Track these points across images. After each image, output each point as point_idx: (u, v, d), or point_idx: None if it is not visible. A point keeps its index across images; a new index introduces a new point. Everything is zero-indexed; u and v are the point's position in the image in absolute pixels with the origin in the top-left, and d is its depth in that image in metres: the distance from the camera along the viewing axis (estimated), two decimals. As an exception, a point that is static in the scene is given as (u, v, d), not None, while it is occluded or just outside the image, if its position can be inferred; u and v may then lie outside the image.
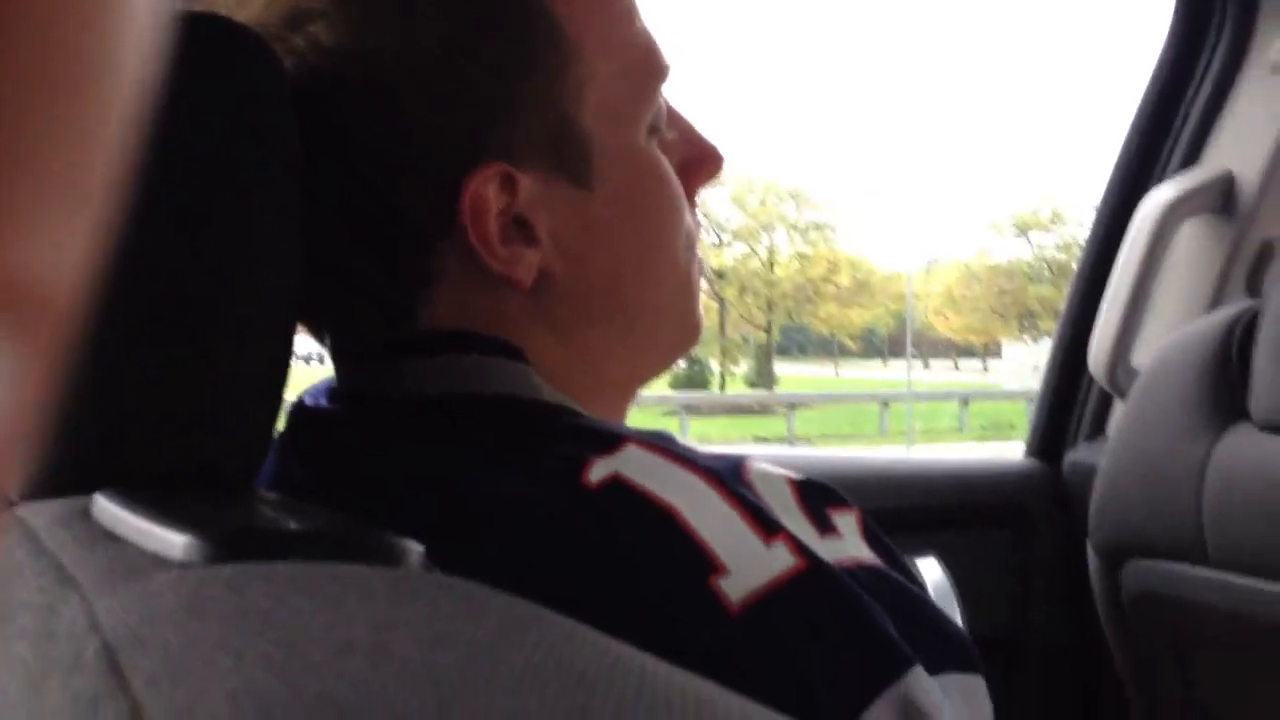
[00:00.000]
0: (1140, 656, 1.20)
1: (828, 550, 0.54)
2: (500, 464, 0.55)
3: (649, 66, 0.63)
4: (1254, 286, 1.33)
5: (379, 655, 0.30)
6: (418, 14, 0.58)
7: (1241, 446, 1.05)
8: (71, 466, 0.48)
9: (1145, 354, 1.35)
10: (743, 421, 23.99)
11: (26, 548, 0.42)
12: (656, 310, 0.65)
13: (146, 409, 0.49)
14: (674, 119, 0.66)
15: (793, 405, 23.05)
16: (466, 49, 0.57)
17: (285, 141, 0.53)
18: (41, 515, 0.45)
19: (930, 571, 1.31)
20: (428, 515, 0.53)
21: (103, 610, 0.33)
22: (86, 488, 0.46)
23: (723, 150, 0.68)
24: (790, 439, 20.24)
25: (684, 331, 0.67)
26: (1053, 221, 36.74)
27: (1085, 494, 1.27)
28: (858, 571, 0.55)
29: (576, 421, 0.58)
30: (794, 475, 0.60)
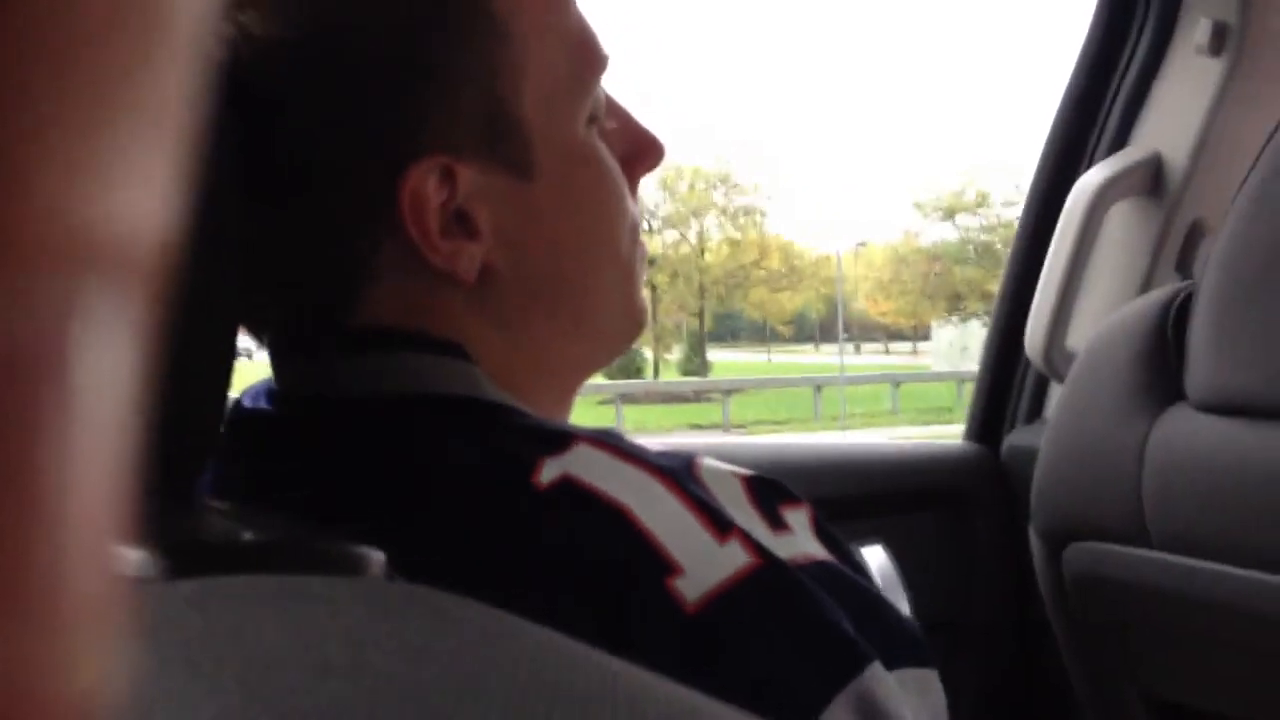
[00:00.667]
0: (1082, 637, 1.21)
1: (781, 547, 0.54)
2: (448, 466, 0.54)
3: (587, 56, 0.62)
4: (1185, 266, 1.35)
5: (358, 673, 0.28)
6: (352, 2, 0.56)
7: (1178, 427, 1.06)
8: None
9: (1080, 336, 1.36)
10: (678, 409, 24.07)
11: None
12: (601, 300, 0.65)
13: None
14: (612, 109, 0.66)
15: (728, 391, 23.19)
16: (401, 39, 0.56)
17: (219, 137, 0.51)
18: None
19: (875, 557, 1.31)
20: (377, 522, 0.52)
21: None
22: None
23: (663, 140, 0.68)
24: (726, 425, 20.35)
25: (629, 321, 0.67)
26: (978, 204, 37.25)
27: (1025, 477, 1.27)
28: (811, 568, 0.55)
29: (524, 421, 0.57)
30: (745, 472, 0.60)
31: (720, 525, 0.52)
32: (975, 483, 1.44)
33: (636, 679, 0.32)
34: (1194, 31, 1.31)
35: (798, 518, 0.59)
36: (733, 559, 0.51)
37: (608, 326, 0.66)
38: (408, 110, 0.57)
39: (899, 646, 0.54)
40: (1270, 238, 1.00)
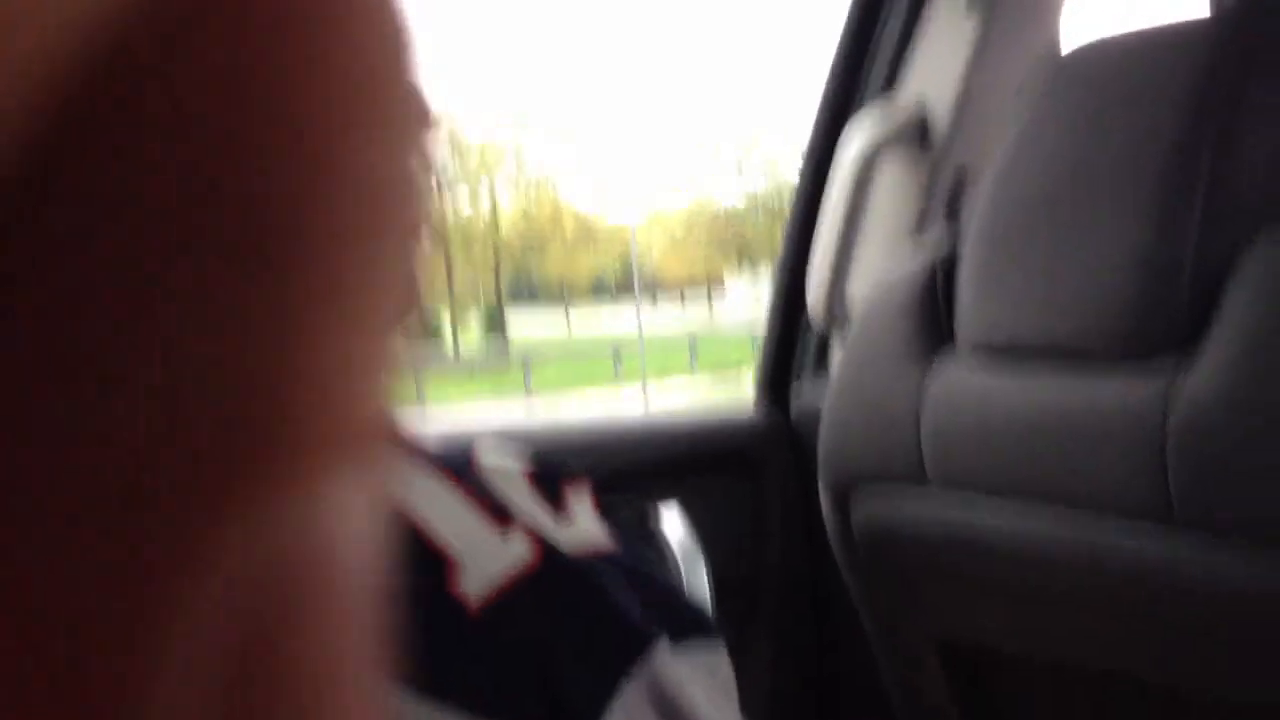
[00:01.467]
0: (872, 586, 1.23)
1: (564, 536, 0.53)
2: None
3: None
4: (953, 212, 1.37)
5: None
6: None
7: (951, 371, 1.08)
8: None
9: (859, 288, 1.37)
10: (480, 378, 23.90)
11: None
12: None
13: None
14: None
15: (528, 360, 23.17)
16: None
17: None
18: None
19: (671, 520, 1.30)
20: None
21: None
22: None
23: (435, 108, 0.64)
24: (528, 392, 20.31)
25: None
26: (765, 165, 38.16)
27: (813, 433, 1.28)
28: (594, 556, 0.53)
29: None
30: (525, 464, 0.59)
31: (501, 517, 0.51)
32: (765, 442, 1.44)
33: None
34: (951, -17, 1.33)
35: (580, 501, 0.58)
36: (513, 553, 0.50)
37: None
38: None
39: (685, 626, 0.53)
40: (1030, 186, 1.02)
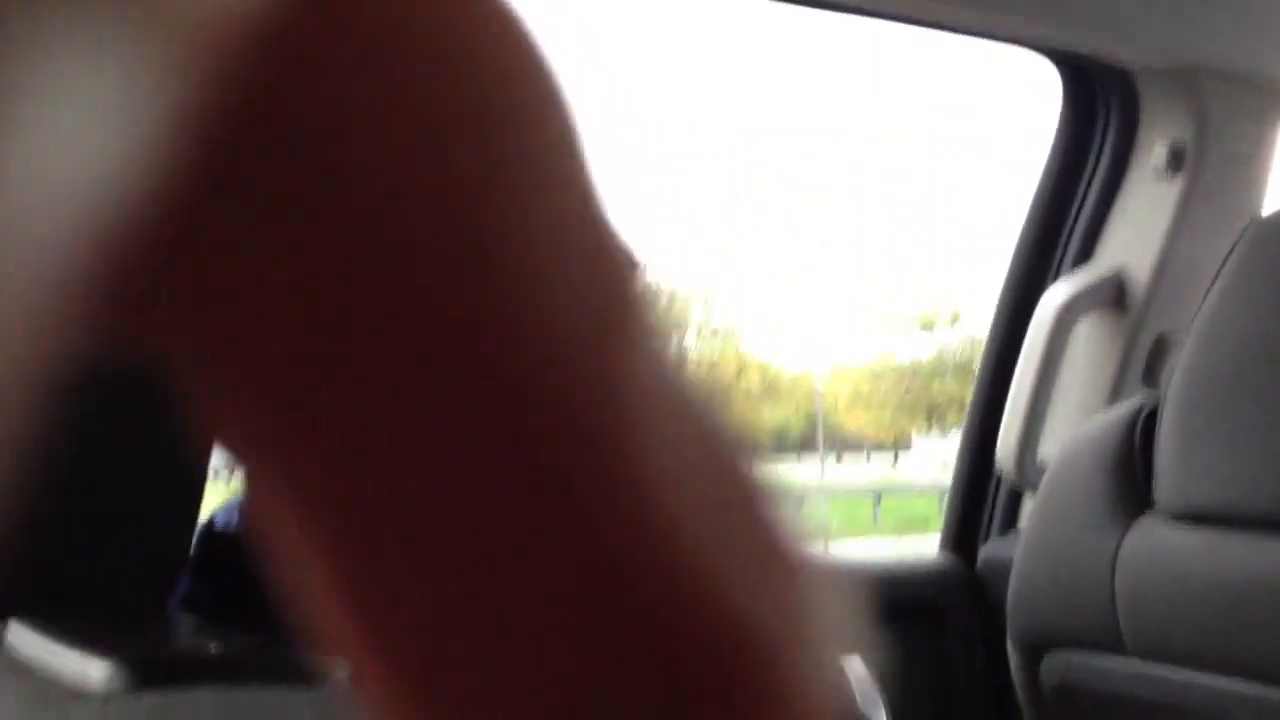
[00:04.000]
0: (1062, 750, 1.21)
1: None
2: None
3: None
4: (1151, 379, 1.37)
5: None
6: None
7: (1149, 536, 1.07)
8: None
9: (1051, 448, 1.38)
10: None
11: None
12: None
13: (55, 534, 0.47)
14: None
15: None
16: None
17: None
18: None
19: (854, 669, 1.31)
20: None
21: None
22: None
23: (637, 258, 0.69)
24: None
25: None
26: (952, 321, 37.61)
27: (1000, 588, 1.28)
28: None
29: None
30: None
31: None
32: (951, 594, 1.44)
33: None
34: (1152, 153, 1.36)
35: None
36: None
37: None
38: None
39: None
40: (1232, 348, 1.03)
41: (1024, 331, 1.41)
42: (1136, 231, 1.38)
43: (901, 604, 1.42)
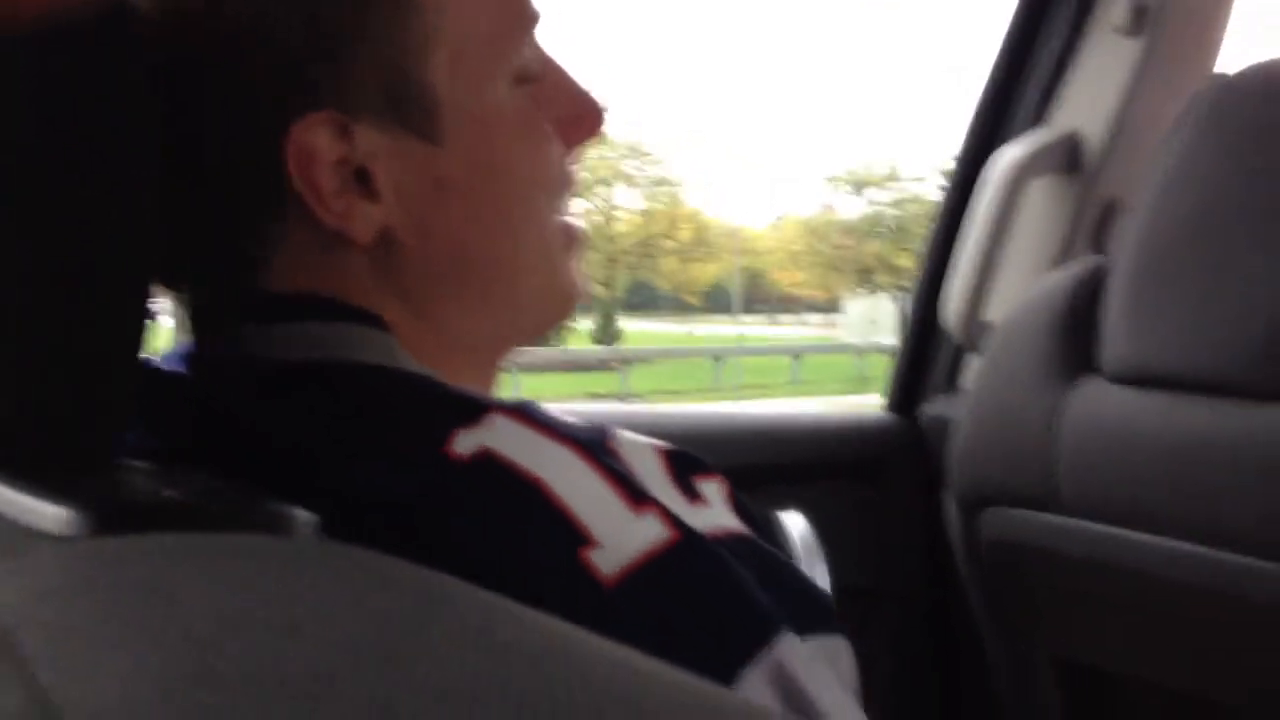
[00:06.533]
0: (996, 601, 1.24)
1: (696, 519, 0.54)
2: (366, 438, 0.54)
3: (511, 14, 0.61)
4: (1099, 244, 1.38)
5: (293, 628, 0.28)
6: None
7: (1091, 398, 1.09)
8: None
9: (997, 309, 1.39)
10: (578, 378, 24.06)
11: None
12: (518, 274, 0.63)
13: None
14: (548, 69, 0.64)
15: (627, 361, 23.23)
16: None
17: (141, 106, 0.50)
18: None
19: (795, 524, 1.33)
20: (297, 492, 0.51)
21: None
22: None
23: (602, 104, 0.66)
24: (625, 395, 20.35)
25: (555, 296, 0.65)
26: (888, 179, 37.67)
27: (942, 446, 1.30)
28: (727, 540, 0.55)
29: (436, 391, 0.56)
30: (662, 445, 0.61)
31: (637, 497, 0.52)
32: (894, 452, 1.47)
33: (586, 639, 0.33)
34: (1112, 11, 1.34)
35: (712, 489, 0.60)
36: (649, 532, 0.51)
37: (528, 301, 0.64)
38: (296, 64, 0.56)
39: (811, 614, 0.55)
40: (1184, 215, 1.03)
41: (974, 192, 1.40)
42: (1092, 93, 1.37)
43: (845, 460, 1.44)
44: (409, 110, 0.57)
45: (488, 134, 0.60)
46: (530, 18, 0.62)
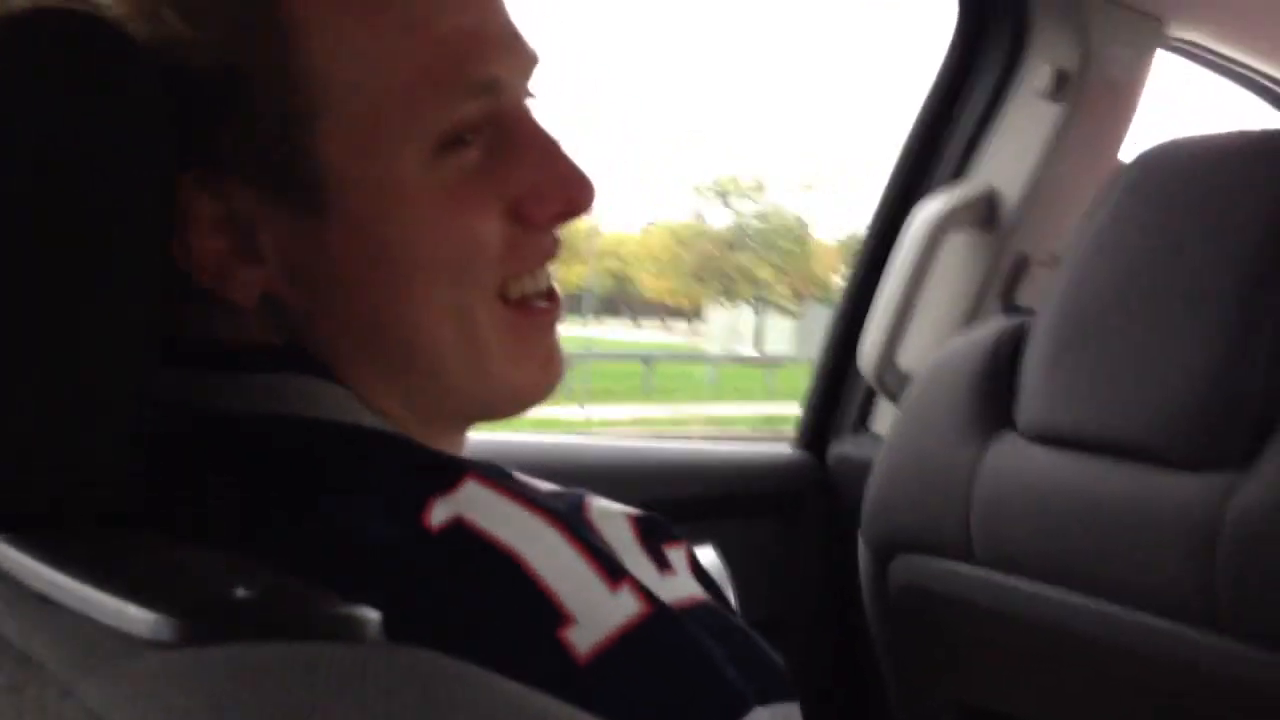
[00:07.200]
0: (900, 642, 1.28)
1: (667, 589, 0.55)
2: (341, 498, 0.52)
3: (436, 81, 0.54)
4: (1008, 298, 1.43)
5: None
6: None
7: (1007, 454, 1.12)
8: None
9: (910, 357, 1.43)
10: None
11: None
12: (439, 358, 0.57)
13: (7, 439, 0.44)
14: (524, 133, 0.58)
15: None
16: (184, 35, 0.53)
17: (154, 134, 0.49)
18: None
19: (706, 557, 1.35)
20: (275, 552, 0.49)
21: (92, 700, 0.31)
22: None
23: (579, 177, 0.58)
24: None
25: (494, 386, 0.58)
26: (754, 189, 38.24)
27: (850, 485, 1.33)
28: (695, 610, 0.56)
29: (412, 453, 0.55)
30: (633, 512, 0.61)
31: (613, 572, 0.52)
32: (803, 489, 1.50)
33: None
34: (1036, 75, 1.39)
35: (678, 556, 0.61)
36: (624, 608, 0.51)
37: (461, 387, 0.58)
38: (188, 114, 0.52)
39: (770, 684, 0.56)
40: (1106, 279, 1.06)
41: (895, 239, 1.44)
42: (1011, 153, 1.42)
43: (755, 495, 1.47)
44: (288, 178, 0.54)
45: (383, 208, 0.54)
46: (467, 80, 0.55)
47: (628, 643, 0.50)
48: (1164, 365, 1.01)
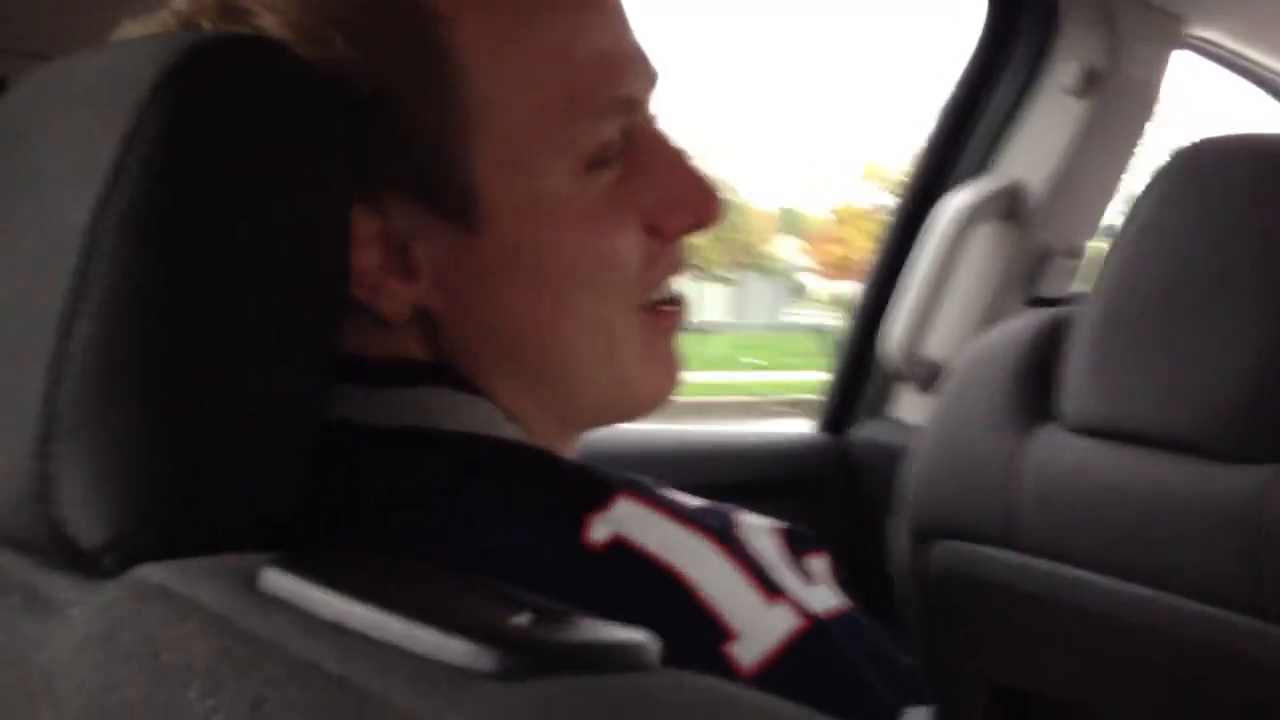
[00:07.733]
0: (934, 626, 1.31)
1: (813, 600, 0.56)
2: (500, 515, 0.53)
3: (582, 102, 0.56)
4: (1031, 290, 1.47)
5: None
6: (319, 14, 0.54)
7: (1052, 445, 1.14)
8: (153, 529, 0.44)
9: (936, 345, 1.46)
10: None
11: (260, 644, 0.37)
12: (577, 367, 0.59)
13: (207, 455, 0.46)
14: (649, 148, 0.59)
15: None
16: (351, 58, 0.54)
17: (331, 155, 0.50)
18: (220, 598, 0.40)
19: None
20: (433, 560, 0.50)
21: None
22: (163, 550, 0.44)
23: (709, 188, 0.60)
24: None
25: (623, 394, 0.61)
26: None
27: (874, 467, 1.36)
28: (840, 620, 0.57)
29: (562, 469, 0.56)
30: (777, 525, 0.61)
31: (769, 586, 0.53)
32: (825, 471, 1.52)
33: None
34: (1064, 72, 1.42)
35: (820, 566, 0.61)
36: (783, 622, 0.52)
37: (590, 395, 0.60)
38: (354, 139, 0.54)
39: (906, 690, 0.57)
40: (1152, 276, 1.08)
41: (919, 229, 1.46)
42: (1037, 148, 1.45)
43: (775, 479, 1.49)
44: (443, 194, 0.55)
45: (533, 224, 0.56)
46: (614, 101, 0.57)
47: (788, 657, 0.51)
48: (1211, 360, 1.03)
